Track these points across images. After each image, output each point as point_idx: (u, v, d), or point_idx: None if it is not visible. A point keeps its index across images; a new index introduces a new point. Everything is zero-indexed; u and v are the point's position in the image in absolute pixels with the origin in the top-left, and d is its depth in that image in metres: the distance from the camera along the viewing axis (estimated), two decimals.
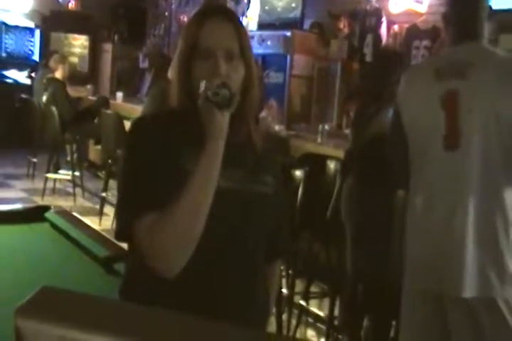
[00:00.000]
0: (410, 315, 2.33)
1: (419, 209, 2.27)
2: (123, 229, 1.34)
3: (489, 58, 2.21)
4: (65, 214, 2.51)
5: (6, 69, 9.27)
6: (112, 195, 5.85)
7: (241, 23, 1.45)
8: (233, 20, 1.40)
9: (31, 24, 9.58)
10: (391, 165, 2.46)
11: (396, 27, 5.63)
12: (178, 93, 1.39)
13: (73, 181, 6.67)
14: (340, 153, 3.55)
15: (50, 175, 6.73)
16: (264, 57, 6.38)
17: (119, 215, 1.39)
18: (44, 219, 2.41)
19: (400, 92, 2.37)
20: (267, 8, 7.24)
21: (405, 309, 2.35)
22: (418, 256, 2.28)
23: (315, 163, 3.48)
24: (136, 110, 6.26)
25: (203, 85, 1.27)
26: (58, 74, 7.05)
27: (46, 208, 2.54)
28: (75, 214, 2.61)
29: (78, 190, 6.71)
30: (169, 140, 1.34)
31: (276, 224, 1.50)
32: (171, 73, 1.49)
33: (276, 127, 4.99)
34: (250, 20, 7.44)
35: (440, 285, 2.20)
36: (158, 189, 1.29)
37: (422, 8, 5.49)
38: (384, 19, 5.70)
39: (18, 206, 3.36)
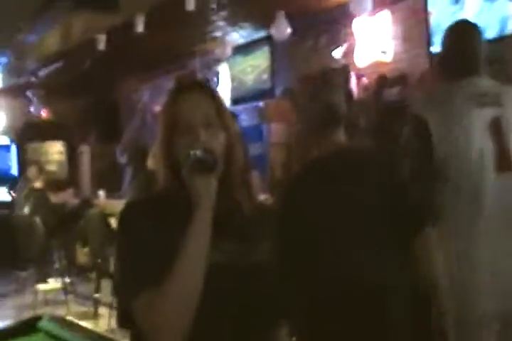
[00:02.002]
0: None
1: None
2: (123, 315, 1.36)
3: (504, 89, 2.48)
4: (58, 320, 2.33)
5: None
6: (105, 296, 5.63)
7: (214, 90, 1.48)
8: (206, 90, 1.44)
9: (6, 140, 9.67)
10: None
11: (365, 79, 5.68)
12: (164, 171, 1.41)
13: (64, 288, 6.39)
14: None
15: (39, 287, 6.46)
16: (240, 131, 6.42)
17: (117, 302, 1.42)
18: (37, 330, 2.22)
19: (433, 112, 2.41)
20: (236, 84, 7.40)
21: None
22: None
23: None
24: (121, 205, 6.15)
25: (185, 155, 1.31)
26: (38, 184, 7.05)
27: (38, 318, 2.35)
28: (69, 318, 2.47)
29: (71, 297, 6.42)
30: (160, 219, 1.35)
31: (277, 290, 1.45)
32: (155, 154, 1.51)
33: (262, 196, 4.94)
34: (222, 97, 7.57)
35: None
36: (152, 269, 1.29)
37: (388, 58, 5.57)
38: (352, 74, 5.77)
39: (8, 322, 3.19)
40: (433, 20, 5.00)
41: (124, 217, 1.43)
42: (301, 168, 2.32)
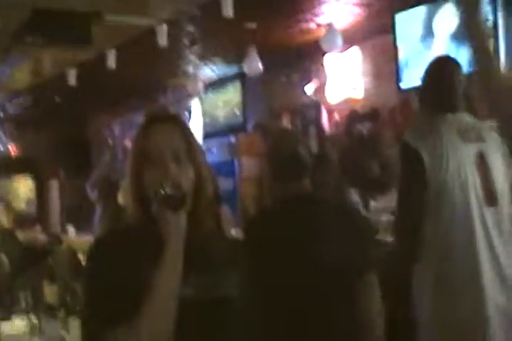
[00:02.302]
0: None
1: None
2: None
3: (483, 125, 2.61)
4: None
5: None
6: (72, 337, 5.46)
7: (185, 124, 1.49)
8: (177, 123, 1.45)
9: None
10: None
11: (336, 115, 5.74)
12: (133, 205, 1.40)
13: (31, 328, 6.19)
14: None
15: (5, 329, 6.25)
16: (211, 166, 6.39)
17: (84, 337, 1.38)
18: None
19: (423, 141, 2.48)
20: (207, 119, 7.41)
21: None
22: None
23: None
24: (91, 241, 6.06)
25: (154, 191, 1.32)
26: (5, 222, 6.92)
27: None
28: None
29: (36, 337, 6.21)
30: (129, 254, 1.35)
31: (245, 324, 1.45)
32: (124, 187, 1.48)
33: (233, 231, 4.90)
34: (194, 133, 7.56)
35: None
36: (122, 305, 1.28)
37: (359, 94, 5.64)
38: (324, 110, 5.82)
39: None
40: (402, 56, 5.09)
41: (92, 253, 1.42)
42: (260, 211, 2.46)
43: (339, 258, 2.11)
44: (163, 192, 1.30)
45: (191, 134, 1.45)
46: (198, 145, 1.46)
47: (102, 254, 1.39)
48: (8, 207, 7.24)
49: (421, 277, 2.45)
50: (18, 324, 6.36)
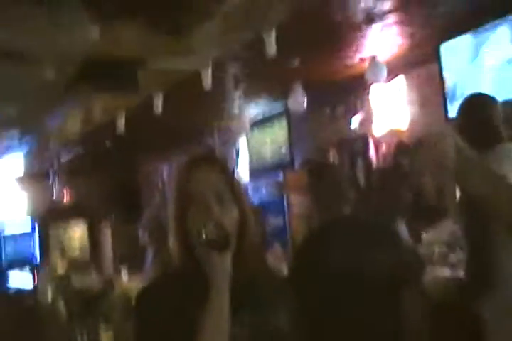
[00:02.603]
0: None
1: None
2: None
3: None
4: None
5: (8, 277, 9.23)
6: None
7: (226, 164, 1.50)
8: (217, 164, 1.46)
9: (29, 226, 9.69)
10: None
11: (384, 147, 5.68)
12: (178, 247, 1.41)
13: None
14: None
15: None
16: (260, 204, 6.39)
17: None
18: None
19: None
20: (254, 158, 7.43)
21: None
22: None
23: None
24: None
25: (197, 233, 1.32)
26: (61, 270, 7.03)
27: None
28: None
29: None
30: (176, 297, 1.35)
31: None
32: (170, 231, 1.46)
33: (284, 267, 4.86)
34: (242, 172, 7.58)
35: None
36: None
37: (403, 126, 5.59)
38: (371, 142, 5.78)
39: None
40: (449, 85, 5.03)
41: (140, 298, 1.43)
42: (308, 235, 2.58)
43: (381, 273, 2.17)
44: (206, 233, 1.30)
45: (233, 175, 1.46)
46: (240, 185, 1.47)
47: (150, 299, 1.39)
48: (63, 254, 7.37)
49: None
50: None
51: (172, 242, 1.41)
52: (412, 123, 5.52)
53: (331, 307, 2.15)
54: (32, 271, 9.15)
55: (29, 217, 9.78)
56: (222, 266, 1.30)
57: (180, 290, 1.35)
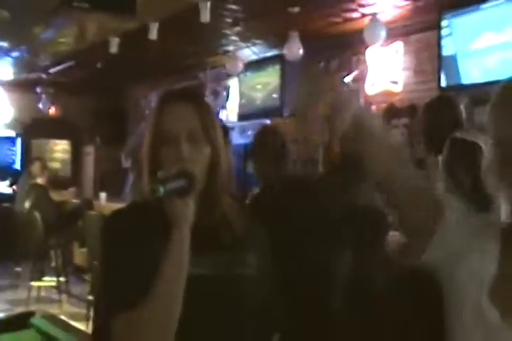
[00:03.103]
0: None
1: None
2: (99, 330, 1.35)
3: None
4: (50, 318, 2.34)
5: None
6: None
7: (202, 101, 1.46)
8: (192, 100, 1.40)
9: (12, 133, 9.69)
10: None
11: (374, 107, 5.68)
12: (148, 180, 1.37)
13: (58, 287, 6.43)
14: None
15: (34, 283, 6.49)
16: (246, 146, 6.40)
17: (95, 315, 1.43)
18: (29, 326, 2.23)
19: None
20: (245, 100, 7.40)
21: None
22: None
23: None
24: None
25: (158, 179, 1.27)
26: (40, 180, 7.05)
27: (30, 314, 2.36)
28: (62, 317, 2.47)
29: (64, 296, 6.45)
30: (141, 233, 1.33)
31: (267, 301, 1.44)
32: (141, 162, 1.43)
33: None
34: (230, 112, 7.56)
35: None
36: (132, 286, 1.27)
37: (398, 88, 5.58)
38: (361, 100, 5.77)
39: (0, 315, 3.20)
40: (446, 54, 4.99)
41: (106, 229, 1.41)
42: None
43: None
44: (163, 191, 1.25)
45: (209, 113, 1.41)
46: (216, 124, 1.42)
47: (114, 231, 1.38)
48: (45, 165, 7.35)
49: None
50: (48, 284, 6.67)
51: (143, 175, 1.39)
52: (405, 87, 5.51)
53: (296, 253, 2.17)
54: (11, 178, 9.25)
55: (13, 122, 9.76)
56: (184, 210, 1.28)
57: (145, 223, 1.33)
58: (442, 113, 2.70)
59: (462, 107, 2.78)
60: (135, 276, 1.28)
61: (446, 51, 4.99)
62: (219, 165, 1.39)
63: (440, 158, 2.63)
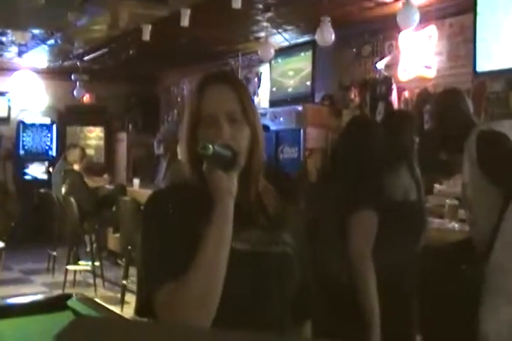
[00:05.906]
0: None
1: None
2: (143, 304, 1.34)
3: None
4: (87, 301, 2.37)
5: (25, 166, 9.46)
6: (132, 283, 5.70)
7: (241, 84, 1.47)
8: (232, 83, 1.42)
9: (47, 120, 9.83)
10: None
11: (406, 93, 5.63)
12: (187, 162, 1.40)
13: (93, 271, 6.53)
14: None
15: (70, 267, 6.61)
16: (277, 133, 6.42)
17: (139, 290, 1.43)
18: (66, 308, 2.27)
19: None
20: (276, 86, 7.38)
21: None
22: None
23: None
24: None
25: (203, 148, 1.27)
26: (76, 167, 7.14)
27: (68, 296, 2.40)
28: (97, 300, 2.52)
29: (99, 281, 6.56)
30: (184, 209, 1.35)
31: (302, 284, 1.44)
32: (180, 145, 1.48)
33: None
34: (262, 99, 7.55)
35: None
36: (175, 259, 1.29)
37: (431, 73, 5.51)
38: (394, 86, 5.72)
39: (39, 296, 3.25)
40: (481, 37, 4.91)
41: (148, 206, 1.43)
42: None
43: None
44: (212, 151, 1.25)
45: (246, 94, 1.43)
46: (253, 106, 1.43)
47: (158, 208, 1.39)
48: (84, 152, 7.45)
49: None
50: (83, 268, 6.78)
51: (182, 156, 1.42)
52: (439, 73, 5.43)
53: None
54: (47, 164, 9.41)
55: (49, 109, 9.90)
56: (227, 184, 1.29)
57: (188, 202, 1.35)
58: (453, 109, 2.64)
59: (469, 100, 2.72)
60: (177, 248, 1.30)
61: (480, 35, 4.91)
62: (258, 147, 1.40)
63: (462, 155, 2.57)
